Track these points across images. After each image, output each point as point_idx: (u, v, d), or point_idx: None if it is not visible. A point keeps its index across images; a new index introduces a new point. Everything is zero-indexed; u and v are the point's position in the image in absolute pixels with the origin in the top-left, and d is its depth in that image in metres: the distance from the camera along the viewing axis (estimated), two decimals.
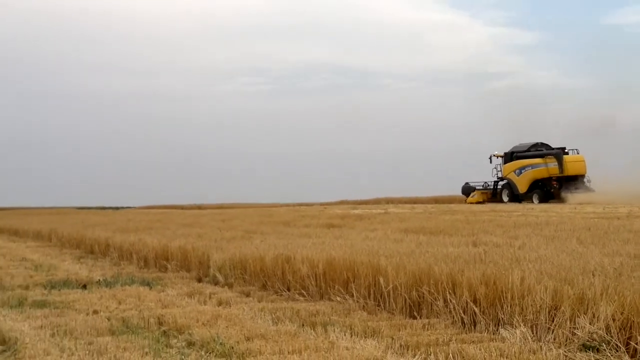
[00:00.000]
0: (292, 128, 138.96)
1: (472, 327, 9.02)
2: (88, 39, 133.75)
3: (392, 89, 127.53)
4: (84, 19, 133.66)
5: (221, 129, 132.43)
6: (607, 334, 7.51)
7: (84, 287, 13.88)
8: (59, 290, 13.50)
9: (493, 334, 8.59)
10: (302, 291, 12.09)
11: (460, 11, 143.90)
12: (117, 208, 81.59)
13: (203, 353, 8.06)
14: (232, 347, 8.15)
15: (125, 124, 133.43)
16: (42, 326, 9.77)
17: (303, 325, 9.54)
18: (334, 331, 8.89)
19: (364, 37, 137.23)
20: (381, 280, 10.57)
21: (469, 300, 9.23)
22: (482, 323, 8.95)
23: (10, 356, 8.19)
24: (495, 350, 7.59)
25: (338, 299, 11.21)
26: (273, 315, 10.17)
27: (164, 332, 9.41)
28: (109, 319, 10.15)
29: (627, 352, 7.37)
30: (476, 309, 9.10)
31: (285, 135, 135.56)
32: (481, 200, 49.77)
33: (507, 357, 7.38)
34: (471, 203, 48.42)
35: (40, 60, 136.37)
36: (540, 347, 7.66)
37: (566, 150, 47.99)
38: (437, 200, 56.06)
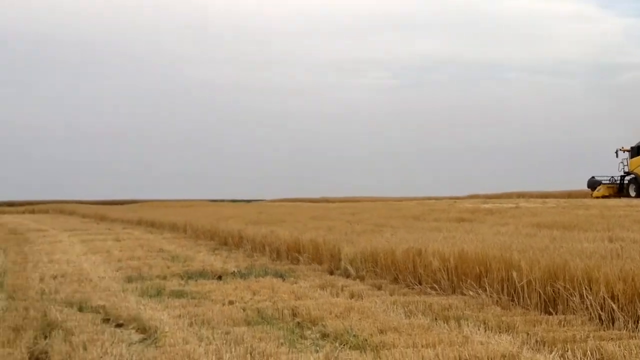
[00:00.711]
0: (417, 121, 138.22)
1: (610, 324, 8.77)
2: (213, 35, 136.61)
3: (517, 82, 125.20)
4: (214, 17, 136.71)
5: (347, 123, 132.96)
6: None
7: (219, 278, 14.26)
8: (195, 280, 13.91)
9: (632, 331, 8.34)
10: (434, 285, 12.05)
11: (589, 1, 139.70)
12: (248, 201, 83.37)
13: (337, 344, 8.15)
14: (366, 340, 8.21)
15: (254, 118, 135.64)
16: (180, 315, 10.09)
17: (436, 319, 9.51)
18: (468, 325, 8.82)
19: (487, 29, 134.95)
20: (514, 274, 10.41)
21: (606, 297, 8.98)
22: (620, 320, 8.69)
23: (151, 344, 8.48)
24: (635, 347, 7.37)
25: (470, 293, 11.12)
26: (405, 309, 10.17)
27: (298, 323, 9.57)
28: (244, 310, 10.40)
29: None
30: (614, 306, 8.84)
31: (411, 129, 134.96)
32: (607, 194, 48.20)
33: None
34: (597, 197, 47.05)
35: (167, 55, 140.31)
36: None
37: None
38: (570, 195, 54.56)
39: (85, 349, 7.99)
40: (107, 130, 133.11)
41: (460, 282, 11.66)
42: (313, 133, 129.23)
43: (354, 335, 8.42)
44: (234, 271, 15.28)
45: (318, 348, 8.11)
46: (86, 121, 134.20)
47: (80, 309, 10.93)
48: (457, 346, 7.77)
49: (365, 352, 7.72)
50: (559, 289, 9.70)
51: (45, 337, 8.93)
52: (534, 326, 8.77)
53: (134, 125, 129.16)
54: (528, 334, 8.28)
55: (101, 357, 7.58)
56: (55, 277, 14.68)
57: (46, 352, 8.21)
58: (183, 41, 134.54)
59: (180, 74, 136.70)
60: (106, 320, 10.07)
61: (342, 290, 12.22)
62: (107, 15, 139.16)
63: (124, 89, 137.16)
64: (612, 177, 49.97)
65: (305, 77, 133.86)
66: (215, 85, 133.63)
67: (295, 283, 13.34)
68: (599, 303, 9.04)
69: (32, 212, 66.39)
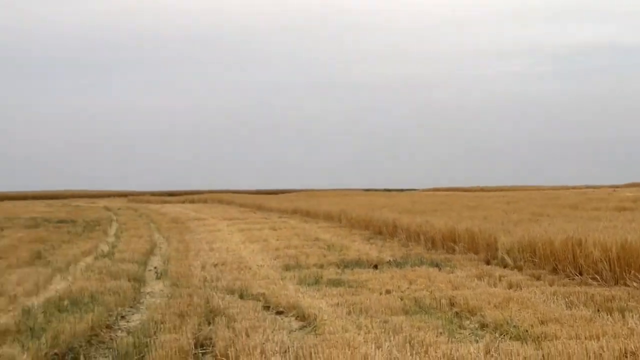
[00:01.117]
0: (575, 110, 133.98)
1: None
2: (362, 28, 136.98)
3: None
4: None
5: (496, 112, 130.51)
6: None
7: (375, 267, 14.33)
8: (352, 269, 14.04)
9: None
10: (595, 275, 11.67)
11: None
12: (401, 190, 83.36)
13: (497, 335, 8.04)
14: (527, 331, 8.06)
15: (403, 109, 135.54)
16: (338, 304, 10.21)
17: (598, 310, 9.21)
18: (632, 317, 8.50)
19: None
20: None
21: None
22: None
23: (311, 331, 8.62)
24: None
25: (634, 284, 10.72)
26: (566, 300, 9.91)
27: (456, 313, 9.50)
28: (401, 299, 10.41)
29: None
30: None
31: (568, 118, 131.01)
32: None
33: None
34: None
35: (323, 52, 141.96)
36: None
37: None
38: None
39: (247, 335, 8.21)
40: (265, 122, 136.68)
41: (624, 273, 11.27)
42: (465, 123, 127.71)
43: (514, 326, 8.28)
44: (389, 260, 15.32)
45: (477, 338, 8.02)
46: (245, 113, 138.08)
47: (241, 296, 11.24)
48: (622, 338, 7.51)
49: (526, 343, 7.57)
50: None
51: (209, 324, 9.24)
52: None
53: (291, 117, 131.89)
54: None
55: (263, 343, 7.77)
56: (216, 265, 15.16)
57: (210, 338, 8.50)
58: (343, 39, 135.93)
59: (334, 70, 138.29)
60: (266, 308, 10.32)
61: (499, 280, 12.03)
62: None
63: (281, 82, 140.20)
64: None
65: (454, 67, 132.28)
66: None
67: (452, 272, 13.23)
68: None
69: (192, 201, 68.69)
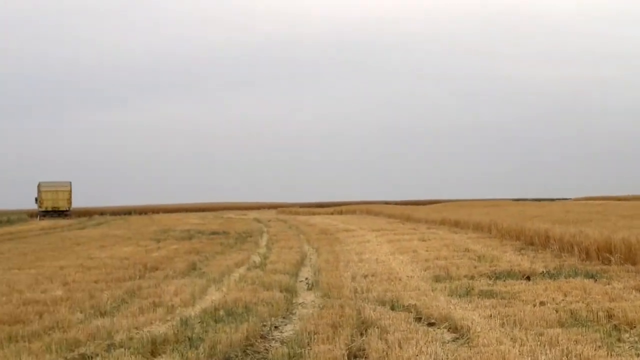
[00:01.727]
0: None
1: None
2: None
3: None
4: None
5: None
6: None
7: (528, 278, 14.03)
8: (503, 280, 13.80)
9: None
10: None
11: None
12: (552, 200, 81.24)
13: None
14: None
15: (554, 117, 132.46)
16: (490, 315, 10.07)
17: None
18: None
19: None
20: None
21: None
22: None
23: (464, 344, 8.54)
24: None
25: None
26: None
27: (614, 326, 9.18)
28: (556, 311, 10.16)
29: None
30: None
31: None
32: None
33: None
34: None
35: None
36: None
37: None
38: None
39: (400, 347, 8.22)
40: (412, 132, 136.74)
41: None
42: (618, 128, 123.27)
43: None
44: (542, 271, 14.96)
45: (638, 352, 7.73)
46: (392, 123, 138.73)
47: (393, 308, 11.26)
48: None
49: None
50: None
51: (361, 335, 9.31)
52: None
53: (438, 127, 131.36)
54: None
55: (417, 355, 7.76)
56: (366, 276, 15.23)
57: (363, 349, 8.56)
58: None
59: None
60: (418, 319, 10.28)
61: None
62: None
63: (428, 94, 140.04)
64: None
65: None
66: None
67: (608, 284, 12.79)
68: None
69: (340, 212, 69.30)
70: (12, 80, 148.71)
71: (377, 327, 9.54)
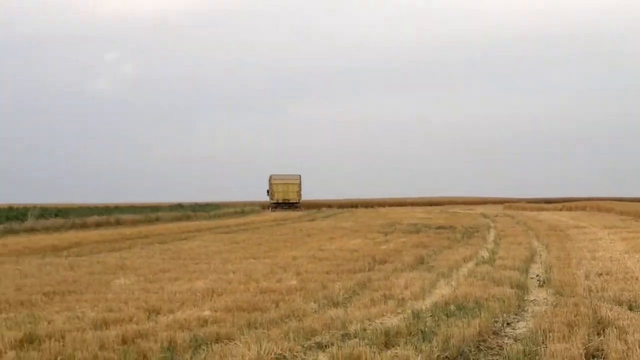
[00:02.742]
0: None
1: None
2: None
3: None
4: None
5: None
6: None
7: None
8: None
9: None
10: None
11: None
12: None
13: None
14: None
15: None
16: None
17: None
18: None
19: None
20: None
21: None
22: None
23: None
24: None
25: None
26: None
27: None
28: None
29: None
30: None
31: None
32: None
33: None
34: None
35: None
36: None
37: None
38: None
39: None
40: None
41: None
42: None
43: None
44: None
45: None
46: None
47: (630, 308, 10.76)
48: None
49: None
50: None
51: (598, 335, 8.96)
52: None
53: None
54: None
55: None
56: (600, 275, 14.64)
57: (601, 350, 8.25)
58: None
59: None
60: None
61: None
62: None
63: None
64: None
65: None
66: None
67: None
68: None
69: (569, 209, 66.95)
70: (243, 75, 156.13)
71: (615, 327, 9.14)
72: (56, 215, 46.20)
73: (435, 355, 8.02)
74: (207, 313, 10.48)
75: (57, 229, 39.33)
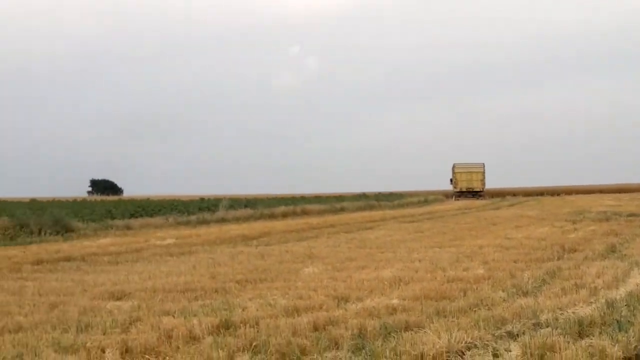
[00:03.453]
0: None
1: None
2: None
3: None
4: None
5: None
6: None
7: None
8: None
9: None
10: None
11: None
12: None
13: None
14: None
15: None
16: None
17: None
18: None
19: None
20: None
21: None
22: None
23: None
24: None
25: None
26: None
27: None
28: None
29: None
30: None
31: None
32: None
33: None
34: None
35: None
36: None
37: None
38: None
39: None
40: None
41: None
42: None
43: None
44: None
45: None
46: None
47: None
48: None
49: None
50: None
51: None
52: None
53: None
54: None
55: None
56: None
57: None
58: None
59: None
60: None
61: None
62: None
63: None
64: None
65: None
66: None
67: None
68: None
69: None
70: (428, 65, 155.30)
71: None
72: (245, 206, 47.90)
73: (633, 346, 7.68)
74: (395, 301, 10.54)
75: (246, 219, 40.77)
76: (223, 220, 39.17)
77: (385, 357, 7.38)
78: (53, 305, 11.13)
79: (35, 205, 56.67)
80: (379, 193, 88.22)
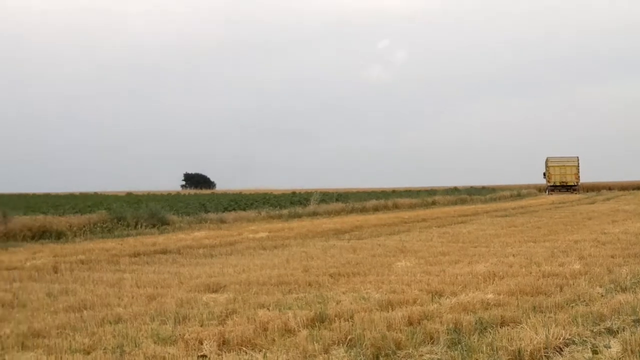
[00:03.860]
0: None
1: None
2: None
3: None
4: None
5: None
6: None
7: None
8: None
9: None
10: None
11: None
12: None
13: None
14: None
15: None
16: None
17: None
18: None
19: None
20: None
21: None
22: None
23: None
24: None
25: None
26: None
27: None
28: None
29: None
30: None
31: None
32: None
33: None
34: None
35: None
36: None
37: None
38: None
39: None
40: None
41: None
42: None
43: None
44: None
45: None
46: None
47: None
48: None
49: None
50: None
51: None
52: None
53: None
54: None
55: None
56: None
57: None
58: None
59: None
60: None
61: None
62: None
63: None
64: None
65: None
66: None
67: None
68: None
69: None
70: (517, 58, 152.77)
71: None
72: (336, 200, 48.07)
73: None
74: (490, 296, 10.43)
75: (338, 212, 40.92)
76: (314, 214, 39.41)
77: (482, 352, 7.33)
78: (151, 297, 11.40)
79: (131, 199, 58.17)
80: (471, 187, 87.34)
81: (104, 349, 7.85)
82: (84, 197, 72.92)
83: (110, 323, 9.39)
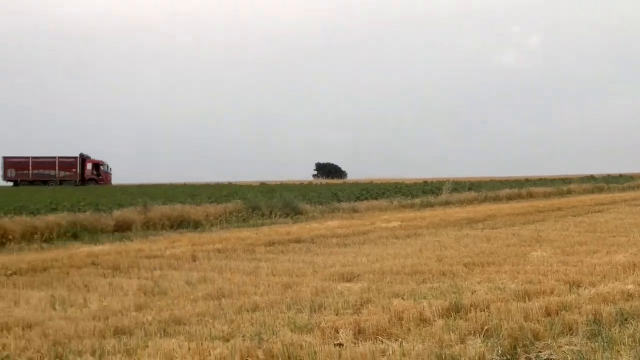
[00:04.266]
0: None
1: None
2: None
3: None
4: None
5: None
6: None
7: None
8: None
9: None
10: None
11: None
12: None
13: None
14: None
15: None
16: None
17: None
18: None
19: None
20: None
21: None
22: None
23: None
24: None
25: None
26: None
27: None
28: None
29: None
30: None
31: None
32: None
33: None
34: None
35: None
36: None
37: None
38: None
39: None
40: None
41: None
42: None
43: None
44: None
45: None
46: None
47: None
48: None
49: None
50: None
51: None
52: None
53: None
54: None
55: None
56: None
57: None
58: None
59: None
60: None
61: None
62: None
63: None
64: None
65: None
66: None
67: None
68: None
69: None
70: None
71: None
72: (469, 189, 47.55)
73: None
74: (630, 287, 10.11)
75: (470, 202, 40.48)
76: (447, 203, 39.10)
77: (624, 344, 7.13)
78: (287, 286, 11.61)
79: (265, 189, 59.24)
80: (608, 175, 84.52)
81: (243, 337, 8.04)
82: (220, 187, 74.75)
83: (248, 311, 9.61)
